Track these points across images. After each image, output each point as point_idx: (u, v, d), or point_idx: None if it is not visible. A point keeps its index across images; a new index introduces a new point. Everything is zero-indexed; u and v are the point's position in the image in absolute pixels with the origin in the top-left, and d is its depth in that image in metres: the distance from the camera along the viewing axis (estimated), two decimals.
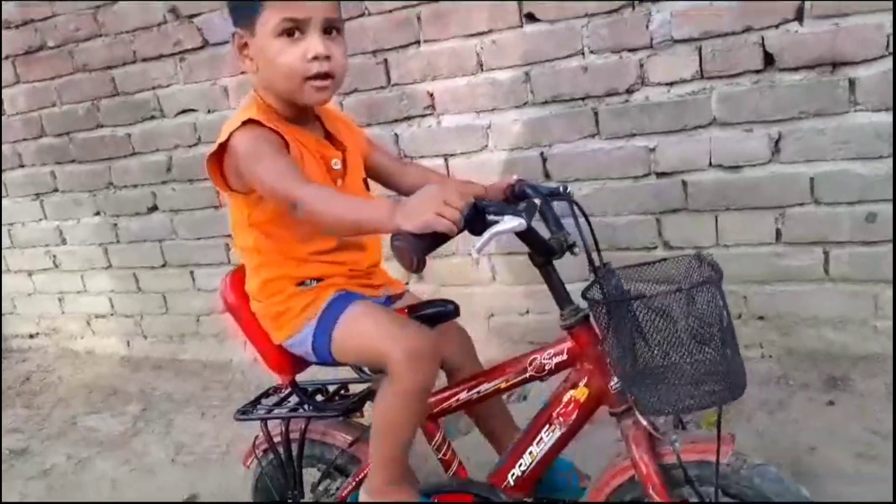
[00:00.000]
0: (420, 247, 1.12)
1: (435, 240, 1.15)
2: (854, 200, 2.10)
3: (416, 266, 1.13)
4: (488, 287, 2.69)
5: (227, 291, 1.56)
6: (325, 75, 1.32)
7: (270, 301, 1.48)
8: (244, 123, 1.30)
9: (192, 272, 3.26)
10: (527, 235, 1.27)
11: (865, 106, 2.01)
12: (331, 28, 1.33)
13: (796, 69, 2.04)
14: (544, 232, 1.32)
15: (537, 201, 1.29)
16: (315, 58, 1.29)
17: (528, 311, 2.67)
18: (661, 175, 2.29)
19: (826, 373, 2.23)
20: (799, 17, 2.00)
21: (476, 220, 1.19)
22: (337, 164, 1.44)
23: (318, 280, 1.47)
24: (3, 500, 1.76)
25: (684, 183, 2.26)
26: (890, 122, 1.99)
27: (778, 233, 2.21)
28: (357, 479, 1.62)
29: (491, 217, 1.20)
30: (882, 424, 2.00)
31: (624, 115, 2.26)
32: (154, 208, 3.20)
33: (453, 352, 1.60)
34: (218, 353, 3.32)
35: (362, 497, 1.48)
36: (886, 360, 2.18)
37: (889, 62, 1.95)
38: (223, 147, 1.33)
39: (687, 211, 2.29)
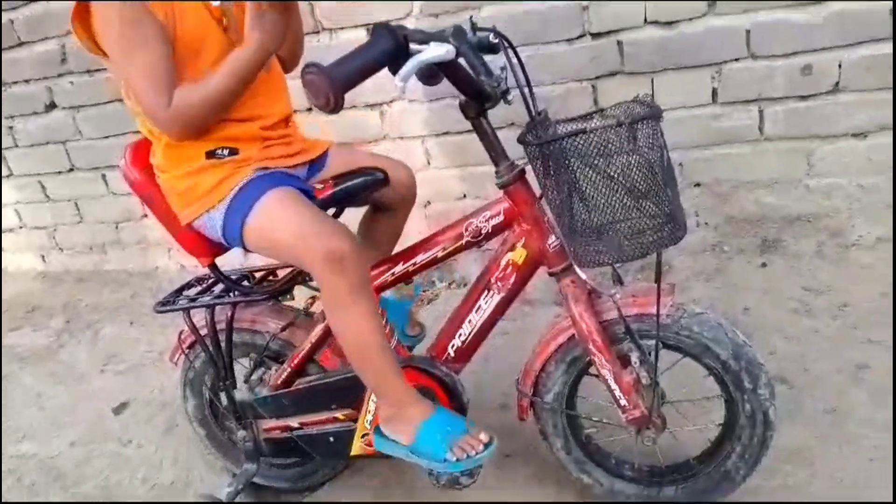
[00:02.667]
0: (338, 79, 0.99)
1: (354, 70, 1.02)
2: (789, 52, 2.03)
3: (332, 104, 1.01)
4: (424, 173, 2.58)
5: (129, 167, 1.41)
6: None
7: (177, 172, 1.34)
8: None
9: (104, 175, 3.02)
10: (456, 71, 1.14)
11: None
12: None
13: None
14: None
15: (465, 27, 1.16)
16: None
17: (465, 196, 2.58)
18: (595, 36, 2.17)
19: (760, 237, 2.24)
20: None
21: (398, 51, 1.06)
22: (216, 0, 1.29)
23: (232, 151, 1.33)
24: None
25: (619, 43, 2.16)
26: None
27: (714, 92, 2.15)
28: (292, 365, 1.55)
29: (414, 46, 1.07)
30: (814, 281, 2.04)
31: None
32: (52, 106, 2.91)
33: (397, 194, 1.52)
34: (143, 261, 3.15)
35: (385, 430, 1.40)
36: (818, 219, 2.20)
37: None
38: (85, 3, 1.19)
39: (623, 74, 2.20)
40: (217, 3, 1.28)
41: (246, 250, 1.38)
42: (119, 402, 2.24)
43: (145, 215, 3.04)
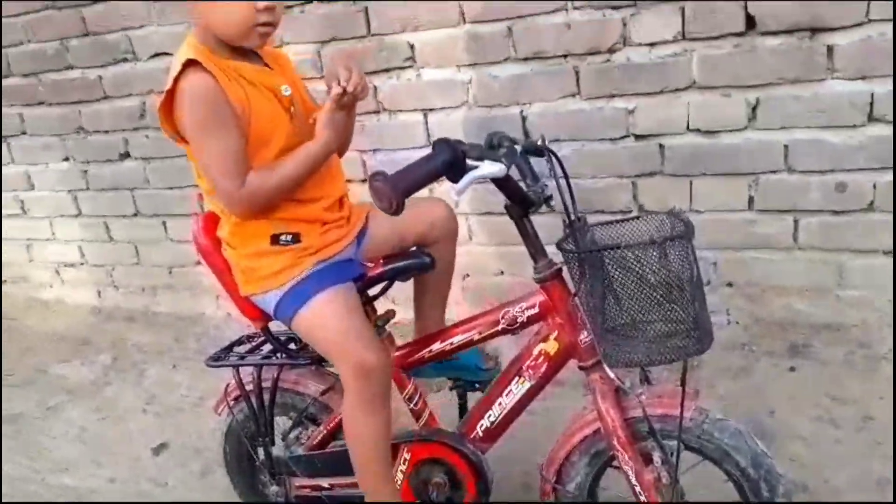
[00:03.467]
0: (400, 187, 1.12)
1: (416, 179, 1.15)
2: (826, 169, 2.12)
3: (395, 207, 1.13)
4: (464, 247, 2.69)
5: (200, 234, 1.54)
6: (271, 23, 1.36)
7: (242, 251, 1.48)
8: (185, 67, 1.30)
9: (164, 222, 3.21)
10: (505, 183, 1.27)
11: (842, 74, 2.02)
12: None
13: (776, 33, 2.03)
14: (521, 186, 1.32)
15: (517, 147, 1.29)
16: (266, 8, 1.33)
17: (502, 272, 2.69)
18: (638, 137, 2.29)
19: (789, 340, 2.28)
20: None
21: (455, 165, 1.19)
22: (287, 90, 1.43)
23: (295, 238, 1.46)
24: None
25: (661, 146, 2.27)
26: (865, 91, 2.01)
27: (751, 199, 2.24)
28: (328, 428, 1.65)
29: (470, 162, 1.20)
30: (841, 391, 2.07)
31: (605, 76, 2.25)
32: (126, 155, 3.13)
33: (427, 229, 1.61)
34: (191, 306, 3.30)
35: None
36: (847, 330, 2.24)
37: (868, 29, 1.95)
38: (171, 94, 1.33)
39: (662, 174, 2.31)
40: (287, 93, 1.43)
41: (290, 329, 1.52)
42: (158, 443, 2.34)
43: (198, 262, 3.21)
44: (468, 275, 2.72)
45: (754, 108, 2.14)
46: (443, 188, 2.59)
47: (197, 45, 1.36)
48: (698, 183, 2.28)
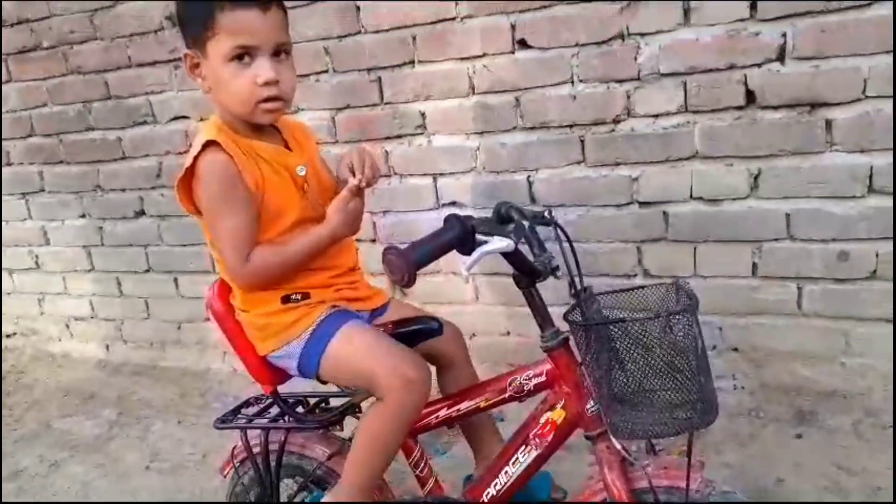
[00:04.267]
0: (412, 260, 1.16)
1: (427, 253, 1.19)
2: (828, 238, 2.16)
3: (406, 280, 1.17)
4: (470, 307, 2.73)
5: (214, 299, 1.58)
6: (276, 98, 1.40)
7: (255, 312, 1.51)
8: (204, 147, 1.37)
9: (175, 279, 3.26)
10: (513, 256, 1.31)
11: (841, 147, 2.08)
12: (280, 51, 1.40)
13: (776, 108, 2.11)
14: (528, 256, 1.36)
15: (525, 223, 1.33)
16: (266, 83, 1.37)
17: (508, 333, 2.71)
18: (643, 204, 2.34)
19: (795, 407, 2.28)
20: (781, 56, 2.07)
21: (465, 239, 1.24)
22: (302, 170, 1.49)
23: (305, 295, 1.50)
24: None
25: (665, 213, 2.32)
26: (865, 164, 2.07)
27: (754, 266, 2.27)
28: None
29: (480, 237, 1.25)
30: (848, 459, 2.05)
31: (609, 145, 2.32)
32: (141, 213, 3.20)
33: (446, 347, 1.64)
34: (198, 362, 3.32)
35: (326, 498, 1.52)
36: (853, 398, 2.23)
37: (865, 105, 2.02)
38: (190, 171, 1.39)
39: (667, 241, 2.35)
40: (302, 173, 1.49)
41: (319, 381, 1.53)
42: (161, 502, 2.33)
43: (207, 319, 3.24)
44: (475, 334, 2.74)
45: (756, 178, 2.19)
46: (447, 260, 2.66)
47: (220, 124, 1.43)
48: (702, 249, 2.31)
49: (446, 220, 1.26)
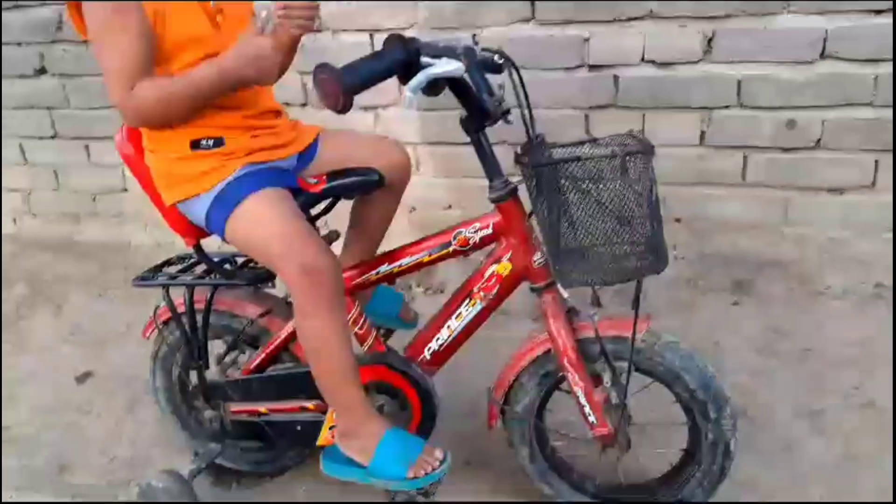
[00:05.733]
0: (347, 83, 1.02)
1: (365, 76, 1.05)
2: (776, 106, 2.12)
3: (341, 105, 1.04)
4: (411, 178, 2.60)
5: (124, 143, 1.43)
6: None
7: (162, 156, 1.37)
8: None
9: (87, 146, 2.98)
10: (462, 89, 1.19)
11: (797, 8, 2.00)
12: None
13: None
14: None
15: (476, 47, 1.20)
16: None
17: (450, 206, 2.61)
18: (592, 68, 2.23)
19: (734, 276, 2.31)
20: None
21: (409, 63, 1.10)
22: None
23: (217, 141, 1.35)
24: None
25: (616, 77, 2.22)
26: (820, 28, 2.00)
27: (703, 135, 2.23)
28: (267, 351, 1.56)
29: (426, 59, 1.11)
30: (781, 324, 2.11)
31: (560, 1, 2.17)
32: (42, 71, 2.87)
33: (387, 168, 1.51)
34: (117, 235, 3.10)
35: (342, 447, 1.42)
36: (789, 266, 2.28)
37: None
38: None
39: (616, 107, 2.26)
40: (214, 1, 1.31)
41: (225, 241, 1.40)
42: (82, 372, 2.21)
43: (125, 189, 3.01)
44: (415, 208, 2.64)
45: (710, 41, 2.10)
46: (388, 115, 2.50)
47: None
48: (651, 116, 2.25)
49: (387, 41, 1.11)
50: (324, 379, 1.38)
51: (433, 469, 1.34)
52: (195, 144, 1.34)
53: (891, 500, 1.46)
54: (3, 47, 2.88)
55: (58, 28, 2.75)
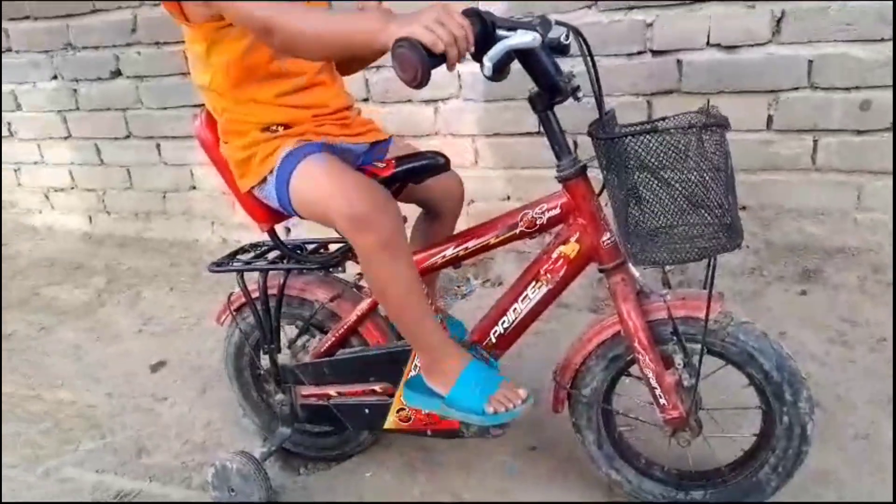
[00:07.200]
0: (427, 57, 1.03)
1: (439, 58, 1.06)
2: (850, 86, 2.05)
3: (419, 77, 1.04)
4: (470, 171, 2.62)
5: (202, 128, 1.46)
6: None
7: (235, 143, 1.40)
8: None
9: (158, 145, 3.10)
10: (535, 62, 1.19)
11: None
12: None
13: None
14: None
15: (552, 18, 1.20)
16: None
17: (508, 197, 2.61)
18: (656, 53, 2.20)
19: (801, 265, 2.24)
20: None
21: (485, 36, 1.11)
22: None
23: (286, 126, 1.38)
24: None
25: (679, 62, 2.19)
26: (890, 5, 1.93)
27: (769, 119, 2.17)
28: (336, 335, 1.59)
29: (501, 32, 1.12)
30: (852, 313, 2.04)
31: None
32: (117, 73, 3.00)
33: (441, 196, 1.55)
34: (185, 232, 3.22)
35: (426, 380, 1.44)
36: (861, 254, 2.20)
37: None
38: None
39: (679, 93, 2.23)
40: None
41: (300, 216, 1.43)
42: (156, 361, 2.30)
43: (194, 187, 3.12)
44: (473, 200, 2.65)
45: (779, 21, 2.05)
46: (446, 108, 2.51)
47: None
48: (716, 101, 2.19)
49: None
50: (400, 320, 1.39)
51: (513, 406, 1.33)
52: (265, 129, 1.37)
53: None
54: (81, 52, 3.02)
55: (133, 31, 2.87)
